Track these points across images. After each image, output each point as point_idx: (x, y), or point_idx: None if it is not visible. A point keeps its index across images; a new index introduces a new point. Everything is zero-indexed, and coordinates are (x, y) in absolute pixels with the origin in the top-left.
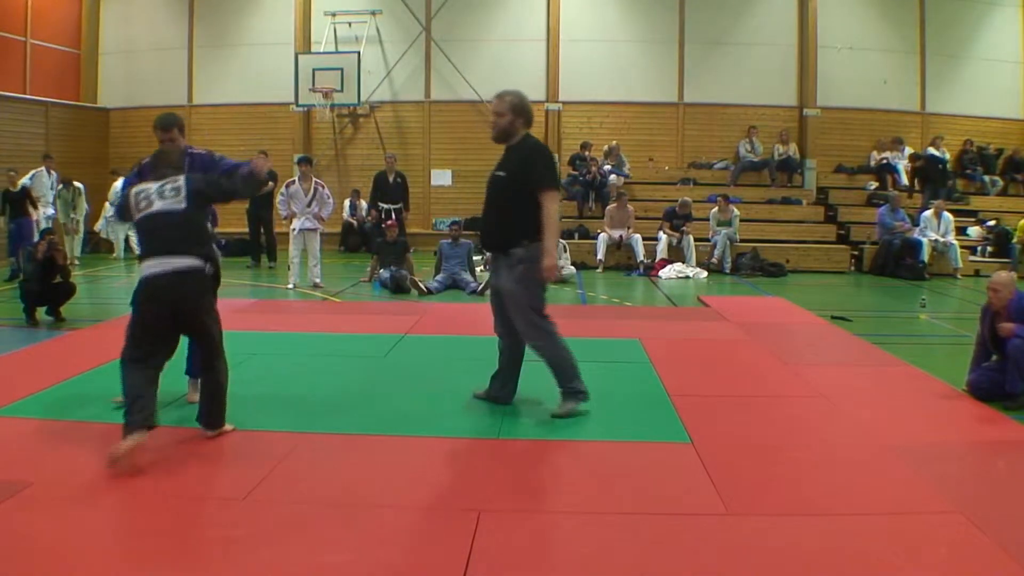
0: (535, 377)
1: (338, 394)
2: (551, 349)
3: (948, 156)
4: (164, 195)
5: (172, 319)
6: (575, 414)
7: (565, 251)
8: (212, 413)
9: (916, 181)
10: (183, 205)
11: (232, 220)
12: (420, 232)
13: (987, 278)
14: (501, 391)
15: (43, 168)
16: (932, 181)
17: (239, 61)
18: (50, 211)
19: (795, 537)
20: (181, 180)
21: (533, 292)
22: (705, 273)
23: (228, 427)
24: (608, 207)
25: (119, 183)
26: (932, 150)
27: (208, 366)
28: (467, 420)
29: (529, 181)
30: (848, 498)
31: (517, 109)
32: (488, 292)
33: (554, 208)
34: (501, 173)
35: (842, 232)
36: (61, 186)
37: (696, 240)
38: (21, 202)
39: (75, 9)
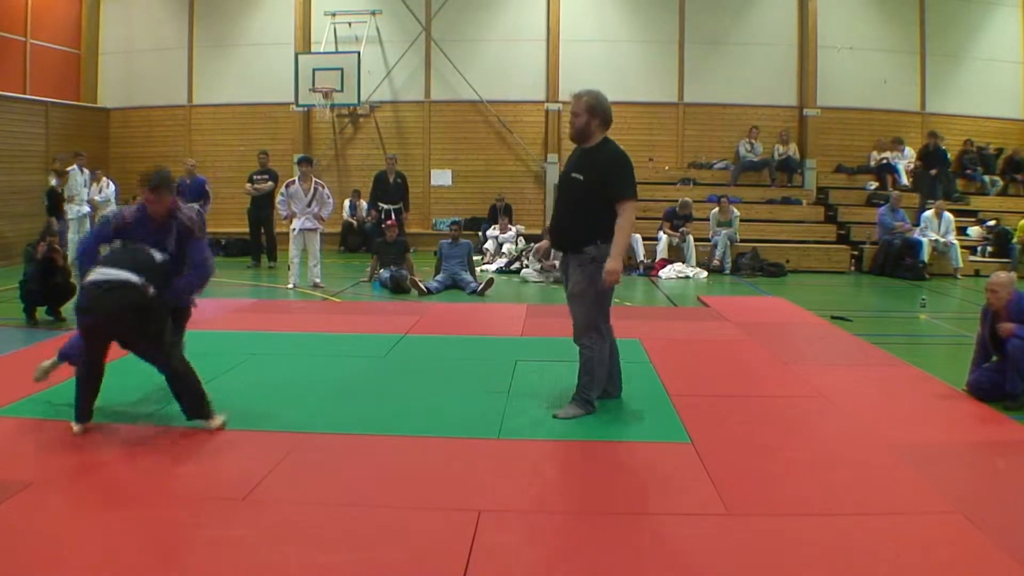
0: (535, 377)
1: (338, 394)
2: (594, 354)
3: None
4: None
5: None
6: (575, 418)
7: None
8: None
9: (922, 164)
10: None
11: (232, 220)
12: (420, 232)
13: (987, 278)
14: (612, 387)
15: (75, 166)
16: (938, 167)
17: (239, 61)
18: (85, 208)
19: (795, 537)
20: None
21: (600, 292)
22: (705, 273)
23: (221, 418)
24: None
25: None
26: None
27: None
28: (467, 420)
29: (608, 189)
30: (848, 498)
31: (593, 110)
32: (487, 289)
33: (630, 217)
34: (578, 176)
35: (842, 232)
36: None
37: (696, 240)
38: (59, 202)
39: (75, 9)
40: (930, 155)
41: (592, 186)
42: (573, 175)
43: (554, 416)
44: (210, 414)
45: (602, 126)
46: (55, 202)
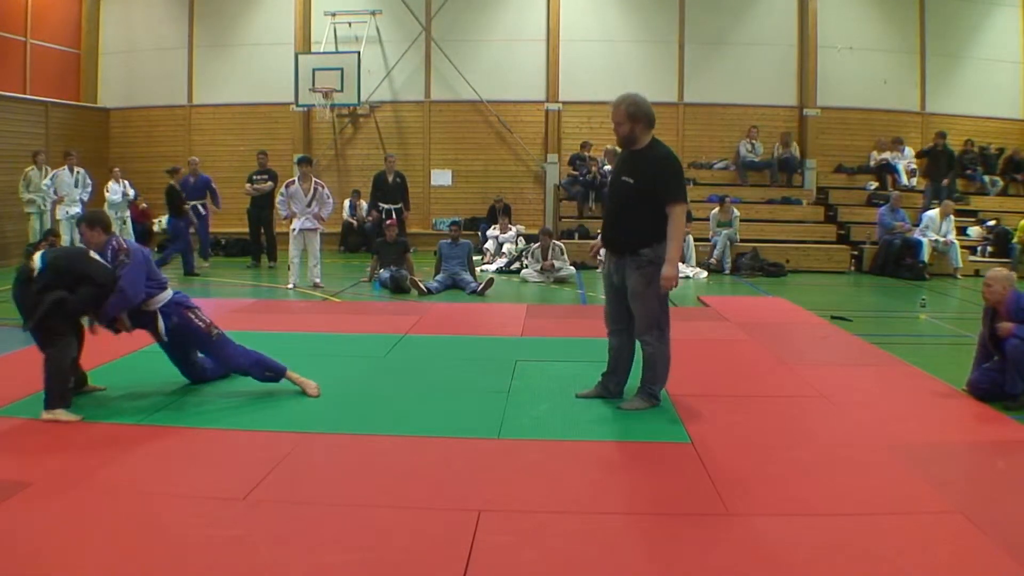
0: (534, 376)
1: (338, 394)
2: (659, 349)
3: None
4: None
5: None
6: (640, 411)
7: (563, 253)
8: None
9: (924, 167)
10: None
11: (232, 220)
12: (420, 232)
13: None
14: (616, 388)
15: (65, 167)
16: (939, 171)
17: (239, 61)
18: (75, 209)
19: (795, 537)
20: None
21: (659, 291)
22: (705, 273)
23: (64, 416)
24: None
25: (111, 184)
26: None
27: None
28: (467, 420)
29: (657, 192)
30: (848, 498)
31: (635, 116)
32: (487, 289)
33: (680, 220)
34: (628, 179)
35: (842, 232)
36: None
37: (696, 240)
38: (178, 200)
39: (75, 9)
40: (937, 156)
41: (643, 189)
42: (623, 178)
43: (618, 408)
44: (52, 407)
45: (647, 128)
46: (175, 202)
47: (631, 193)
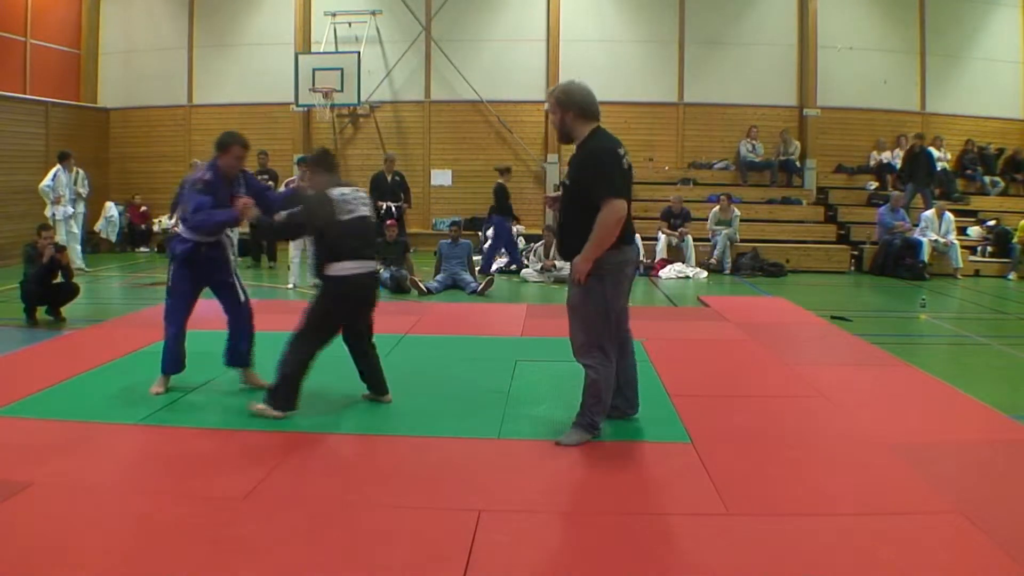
0: (534, 376)
1: (338, 394)
2: (604, 373)
3: (949, 156)
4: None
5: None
6: (579, 445)
7: None
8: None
9: (905, 167)
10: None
11: None
12: (420, 232)
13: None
14: (620, 400)
15: (60, 167)
16: (916, 177)
17: (239, 61)
18: (69, 209)
19: (795, 537)
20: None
21: (600, 306)
22: (705, 273)
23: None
24: None
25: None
26: (932, 148)
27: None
28: (467, 420)
29: (588, 190)
30: (848, 498)
31: (564, 103)
32: (487, 289)
33: (607, 217)
34: (565, 181)
35: (842, 232)
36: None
37: (696, 240)
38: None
39: (75, 9)
40: (915, 158)
41: (577, 190)
42: (562, 180)
43: (556, 443)
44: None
45: (580, 118)
46: (502, 200)
47: (568, 196)
